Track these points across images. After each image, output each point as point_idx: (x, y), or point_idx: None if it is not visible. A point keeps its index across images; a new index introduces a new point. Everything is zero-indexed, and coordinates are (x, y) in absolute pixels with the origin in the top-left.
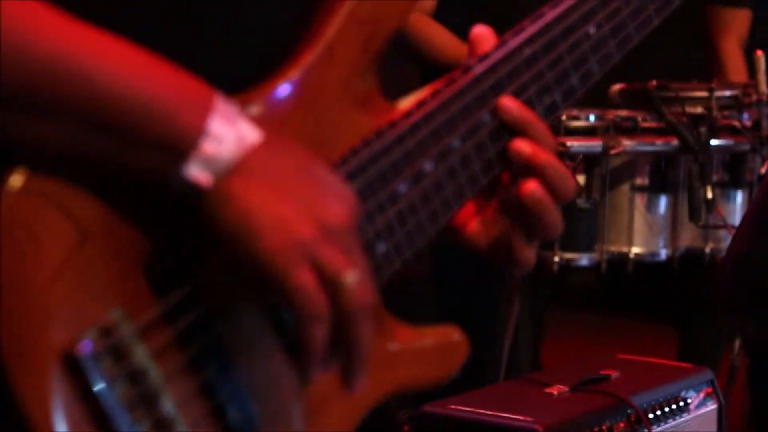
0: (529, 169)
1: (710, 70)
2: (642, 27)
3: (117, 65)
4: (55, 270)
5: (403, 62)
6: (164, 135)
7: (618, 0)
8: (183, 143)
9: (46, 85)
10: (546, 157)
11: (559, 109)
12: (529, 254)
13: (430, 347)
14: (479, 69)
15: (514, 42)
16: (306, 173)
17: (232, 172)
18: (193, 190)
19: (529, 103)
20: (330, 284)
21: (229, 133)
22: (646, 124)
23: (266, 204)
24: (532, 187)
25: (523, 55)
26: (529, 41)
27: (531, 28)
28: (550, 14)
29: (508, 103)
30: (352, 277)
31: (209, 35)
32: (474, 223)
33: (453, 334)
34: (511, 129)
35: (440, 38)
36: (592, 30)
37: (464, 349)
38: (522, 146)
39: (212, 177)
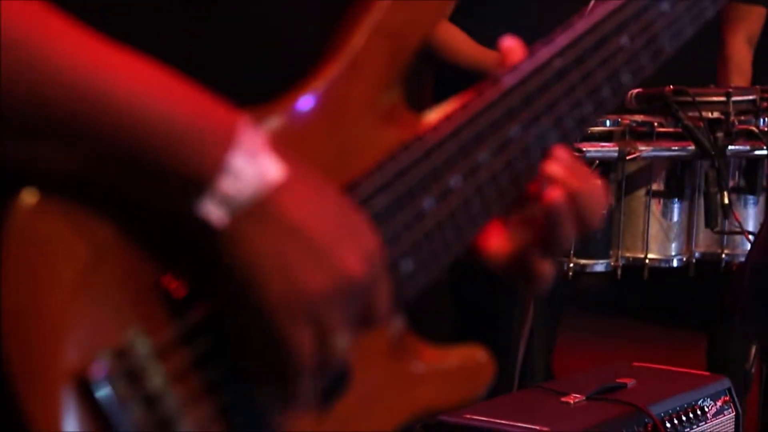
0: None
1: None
2: (676, 38)
3: (135, 89)
4: (68, 290)
5: (418, 65)
6: (181, 168)
7: (651, 11)
8: (200, 178)
9: (59, 109)
10: (579, 184)
11: (589, 121)
12: (547, 269)
13: (455, 368)
14: (509, 81)
15: (544, 53)
16: (326, 218)
17: (247, 213)
18: (206, 226)
19: (560, 118)
20: (322, 341)
21: (249, 169)
22: (662, 129)
23: (276, 251)
24: (554, 196)
25: (554, 68)
26: (560, 53)
27: (561, 39)
28: (581, 25)
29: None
30: (342, 343)
31: (233, 47)
32: (492, 239)
33: (478, 355)
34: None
35: (458, 42)
36: (624, 41)
37: (490, 369)
38: (557, 171)
39: (226, 216)
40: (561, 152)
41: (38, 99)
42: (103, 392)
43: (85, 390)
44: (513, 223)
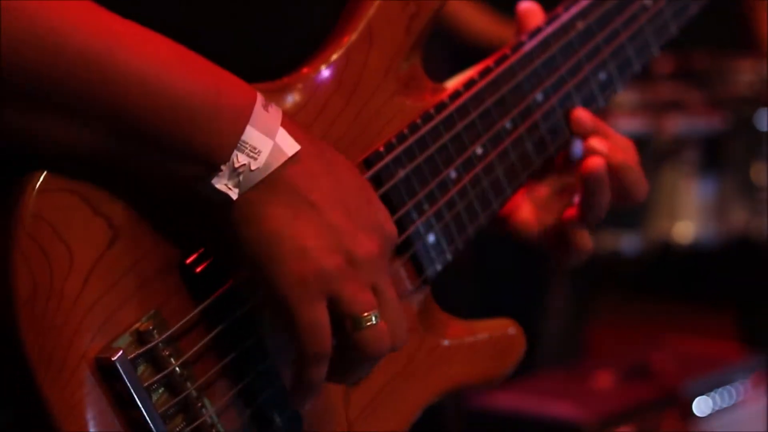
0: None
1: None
2: None
3: (152, 64)
4: (85, 272)
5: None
6: (197, 143)
7: None
8: (215, 154)
9: (75, 83)
10: (621, 158)
11: (614, 85)
12: (585, 239)
13: (485, 342)
14: (530, 45)
15: (566, 15)
16: (342, 197)
17: (262, 189)
18: (221, 201)
19: (585, 80)
20: (347, 320)
21: (265, 144)
22: (694, 102)
23: (291, 229)
24: (596, 163)
25: (576, 30)
26: (583, 14)
27: (584, 1)
28: None
29: (582, 115)
30: (372, 318)
31: (247, 19)
32: (524, 210)
33: (508, 328)
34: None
35: (475, 19)
36: (647, 1)
37: (521, 343)
38: (598, 144)
39: (241, 191)
40: (602, 126)
41: (52, 70)
42: (125, 376)
43: (105, 373)
44: (548, 193)
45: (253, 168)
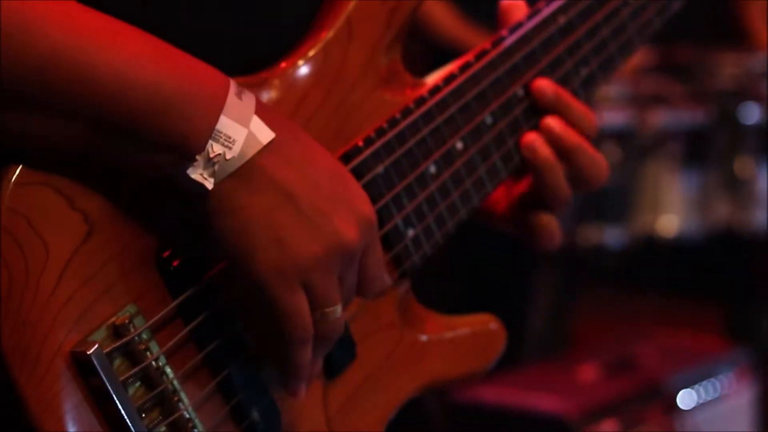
0: (558, 150)
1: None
2: None
3: (123, 56)
4: (61, 265)
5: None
6: (170, 133)
7: None
8: (189, 143)
9: (47, 78)
10: (576, 140)
11: (597, 81)
12: (546, 223)
13: (465, 338)
14: (510, 40)
15: (547, 10)
16: (318, 183)
17: (238, 177)
18: (197, 191)
19: (566, 76)
20: (315, 311)
21: (240, 133)
22: (678, 96)
23: (268, 219)
24: (530, 140)
25: (557, 24)
26: (564, 9)
27: None
28: None
29: (543, 84)
30: (336, 312)
31: (225, 12)
32: (505, 202)
33: (489, 323)
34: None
35: (445, 21)
36: None
37: (502, 338)
38: (552, 124)
39: (216, 181)
40: (564, 95)
41: (23, 66)
42: (101, 370)
43: (81, 367)
44: (527, 182)
45: (228, 157)
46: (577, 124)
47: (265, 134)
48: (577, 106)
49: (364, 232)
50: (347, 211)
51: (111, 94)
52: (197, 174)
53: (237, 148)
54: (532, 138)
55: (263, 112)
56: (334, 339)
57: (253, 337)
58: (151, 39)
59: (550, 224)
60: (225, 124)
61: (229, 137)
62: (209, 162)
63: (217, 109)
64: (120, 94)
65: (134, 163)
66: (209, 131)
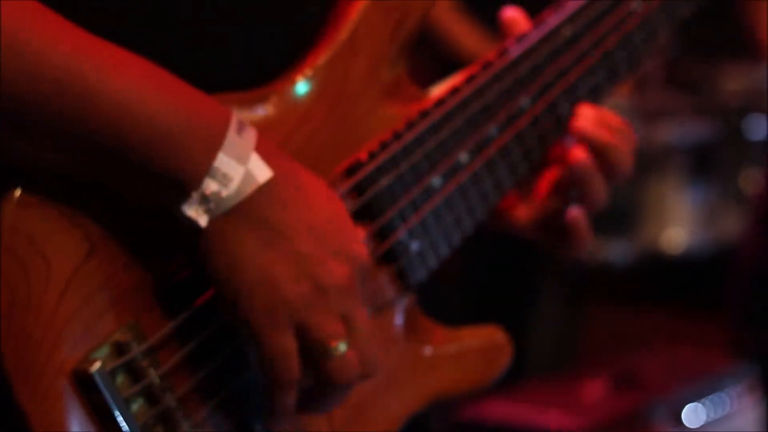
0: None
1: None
2: (691, 2)
3: (125, 87)
4: (62, 284)
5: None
6: (168, 167)
7: None
8: (186, 179)
9: (48, 104)
10: (608, 138)
11: (603, 91)
12: (584, 228)
13: (471, 350)
14: (516, 51)
15: (553, 21)
16: (312, 224)
17: (232, 215)
18: (191, 226)
19: (572, 86)
20: (315, 351)
21: (237, 171)
22: (684, 110)
23: (260, 259)
24: (580, 156)
25: (563, 36)
26: (570, 19)
27: (571, 5)
28: None
29: (587, 112)
30: (340, 347)
31: (228, 27)
32: (521, 206)
33: (495, 336)
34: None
35: (466, 36)
36: (637, 6)
37: (508, 351)
38: (583, 124)
39: (211, 218)
40: (587, 108)
41: (25, 92)
42: (103, 387)
43: (83, 385)
44: (544, 187)
45: (223, 195)
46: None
47: (262, 173)
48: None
49: (353, 272)
50: (340, 252)
51: (110, 123)
52: (192, 210)
53: (233, 187)
54: (580, 156)
55: (262, 146)
56: (345, 380)
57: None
58: (155, 69)
59: (586, 228)
60: (223, 161)
61: (226, 175)
62: (205, 199)
63: (215, 146)
64: (120, 124)
65: (132, 191)
66: (206, 168)
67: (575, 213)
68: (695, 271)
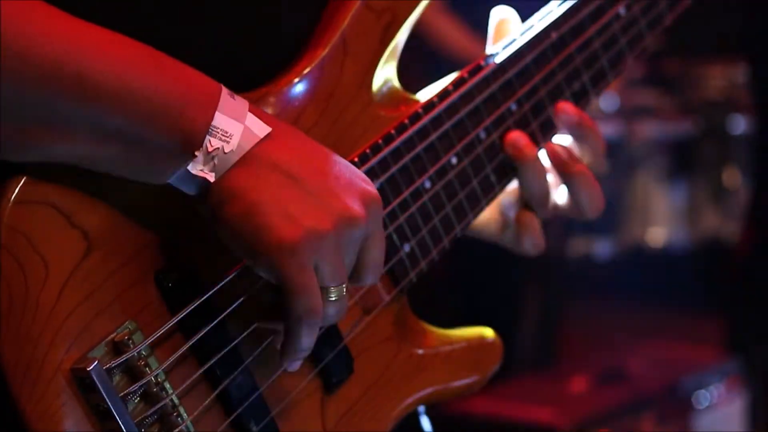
0: (561, 174)
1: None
2: (674, 4)
3: (122, 64)
4: (60, 282)
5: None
6: (169, 133)
7: None
8: (188, 141)
9: (50, 87)
10: (580, 168)
11: (588, 94)
12: (532, 222)
13: (462, 350)
14: (503, 56)
15: (540, 26)
16: (321, 166)
17: (239, 168)
18: (199, 187)
19: (558, 89)
20: (324, 289)
21: (236, 127)
22: (666, 108)
23: (275, 198)
24: (514, 135)
25: (550, 40)
26: (556, 24)
27: (558, 11)
28: None
29: (567, 108)
30: (340, 292)
31: (219, 30)
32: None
33: (485, 336)
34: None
35: (451, 31)
36: (621, 11)
37: (498, 350)
38: (558, 149)
39: (217, 173)
40: (586, 120)
41: (23, 76)
42: (101, 386)
43: (81, 384)
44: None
45: (226, 150)
46: (592, 152)
47: (261, 128)
48: (596, 135)
49: (371, 210)
50: (353, 190)
51: (111, 98)
52: (198, 169)
53: (234, 142)
54: (515, 135)
55: (258, 111)
56: (336, 320)
57: (250, 352)
58: (147, 48)
59: (533, 223)
60: (220, 120)
61: (226, 132)
62: (208, 156)
63: (211, 106)
64: (120, 98)
65: (136, 169)
66: (206, 127)
67: (527, 215)
68: (677, 266)
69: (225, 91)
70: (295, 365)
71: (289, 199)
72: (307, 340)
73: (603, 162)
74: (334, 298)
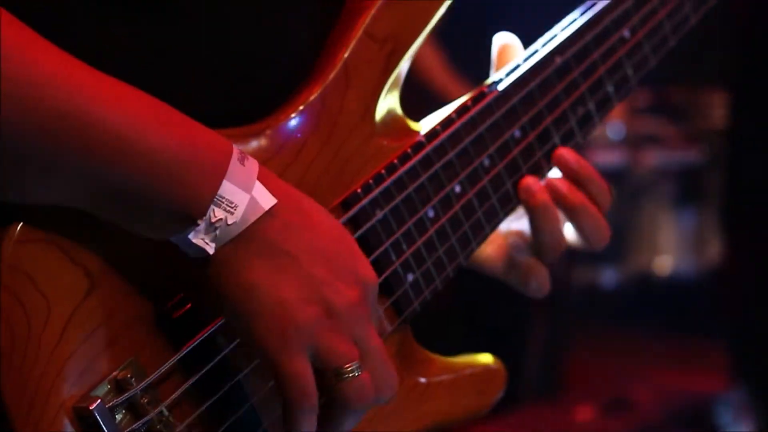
0: (563, 207)
1: None
2: (679, 28)
3: (127, 121)
4: (63, 322)
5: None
6: (173, 199)
7: (653, 1)
8: (192, 209)
9: (51, 138)
10: (580, 200)
11: (594, 119)
12: (536, 270)
13: (466, 378)
14: (507, 82)
15: (543, 51)
16: (320, 247)
17: (240, 242)
18: (199, 256)
19: (563, 115)
20: (329, 374)
21: (242, 198)
22: (671, 136)
23: (270, 282)
24: (528, 182)
25: (554, 65)
26: (560, 49)
27: (561, 35)
28: (581, 19)
29: (566, 155)
30: (354, 370)
31: (224, 63)
32: (491, 245)
33: (489, 363)
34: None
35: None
36: (626, 34)
37: (502, 378)
38: (559, 184)
39: (217, 244)
40: (585, 165)
41: (25, 125)
42: (104, 424)
43: (83, 422)
44: (515, 229)
45: (230, 222)
46: (593, 194)
47: (267, 199)
48: (596, 179)
49: (366, 293)
50: (349, 274)
51: (113, 156)
52: (199, 239)
53: (239, 214)
54: (529, 181)
55: (265, 176)
56: (360, 402)
57: (254, 388)
58: (155, 102)
59: (541, 269)
60: (227, 189)
61: (232, 202)
62: (211, 227)
63: (220, 174)
64: (122, 158)
65: (137, 225)
66: (212, 196)
67: (536, 264)
68: (684, 295)
69: (236, 154)
70: None
71: (282, 283)
72: (304, 426)
73: (609, 201)
74: (347, 379)
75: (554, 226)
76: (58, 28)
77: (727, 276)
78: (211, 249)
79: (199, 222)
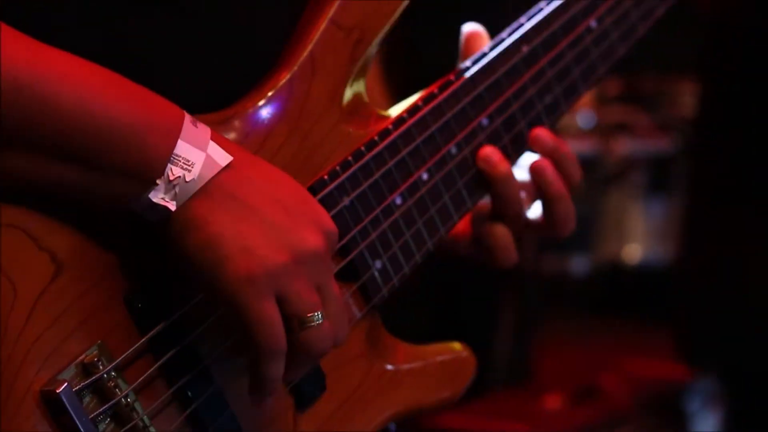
0: (542, 195)
1: None
2: (646, 17)
3: (85, 89)
4: (29, 305)
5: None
6: (132, 159)
7: None
8: (150, 168)
9: (8, 112)
10: (562, 190)
11: (560, 108)
12: (505, 236)
13: (435, 366)
14: (474, 70)
15: (510, 40)
16: (280, 198)
17: (200, 198)
18: (160, 215)
19: (530, 103)
20: (293, 319)
21: (198, 156)
22: (642, 125)
23: (233, 230)
24: (487, 151)
25: (521, 53)
26: (527, 38)
27: (528, 24)
28: (548, 9)
29: (541, 133)
30: (318, 317)
31: (191, 50)
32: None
33: (459, 351)
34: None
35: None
36: (593, 23)
37: (472, 366)
38: (545, 167)
39: (178, 202)
40: (561, 145)
41: None
42: (70, 408)
43: (51, 406)
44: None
45: (188, 179)
46: (567, 175)
47: (222, 157)
48: (572, 158)
49: (326, 241)
50: (311, 223)
51: (73, 122)
52: (159, 198)
53: (196, 171)
54: (488, 151)
55: (219, 138)
56: (320, 350)
57: (220, 370)
58: (111, 73)
59: (505, 237)
60: (183, 148)
61: (188, 160)
62: (170, 185)
63: (174, 134)
64: (82, 123)
65: (98, 194)
66: (167, 155)
67: (498, 227)
68: (653, 283)
69: (188, 118)
70: (262, 401)
71: (247, 231)
72: (273, 370)
73: (579, 186)
74: (310, 327)
75: (515, 194)
76: (42, 23)
77: (686, 265)
78: (172, 206)
79: (158, 181)
